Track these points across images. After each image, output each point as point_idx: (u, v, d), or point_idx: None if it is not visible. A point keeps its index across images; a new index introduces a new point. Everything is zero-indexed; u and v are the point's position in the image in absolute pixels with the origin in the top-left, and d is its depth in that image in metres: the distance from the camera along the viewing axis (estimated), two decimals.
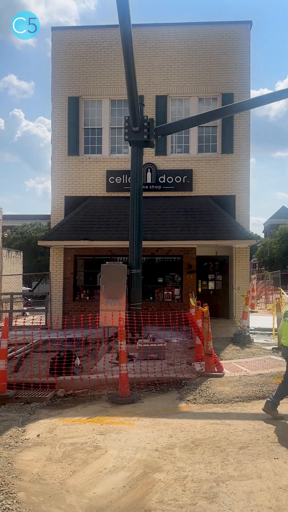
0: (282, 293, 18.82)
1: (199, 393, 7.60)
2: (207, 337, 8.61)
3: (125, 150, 15.92)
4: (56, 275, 15.65)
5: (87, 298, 15.81)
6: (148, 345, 10.23)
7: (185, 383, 8.18)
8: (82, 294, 15.89)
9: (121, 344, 7.69)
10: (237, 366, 9.33)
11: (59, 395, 7.92)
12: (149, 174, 15.31)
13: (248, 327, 13.07)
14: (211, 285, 16.70)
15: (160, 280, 15.55)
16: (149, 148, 15.03)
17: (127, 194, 15.23)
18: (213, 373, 8.43)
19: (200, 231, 14.35)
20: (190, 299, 11.71)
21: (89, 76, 15.85)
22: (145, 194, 15.19)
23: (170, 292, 15.59)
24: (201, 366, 8.86)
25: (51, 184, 15.86)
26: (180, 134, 15.84)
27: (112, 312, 11.35)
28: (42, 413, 7.02)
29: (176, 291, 15.56)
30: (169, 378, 8.31)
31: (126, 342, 10.01)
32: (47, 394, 7.83)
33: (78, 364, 9.14)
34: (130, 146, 12.10)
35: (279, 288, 20.99)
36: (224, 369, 8.75)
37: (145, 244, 12.90)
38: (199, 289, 16.14)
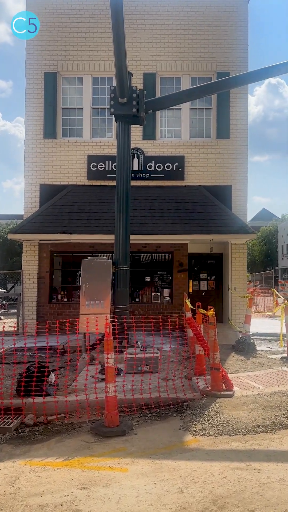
0: (277, 296, 17.40)
1: (208, 420, 5.92)
2: (213, 347, 6.95)
3: (108, 133, 14.19)
4: (30, 274, 13.78)
5: (65, 300, 13.98)
6: (138, 355, 8.52)
7: (188, 406, 6.49)
8: (59, 296, 14.05)
9: (108, 358, 5.95)
10: (247, 381, 7.70)
11: (27, 423, 6.14)
12: (135, 160, 13.62)
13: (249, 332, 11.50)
14: (203, 285, 15.08)
15: (148, 279, 13.85)
16: (136, 131, 13.39)
17: (111, 182, 13.54)
18: (222, 392, 6.77)
19: (194, 224, 12.73)
20: (186, 301, 10.06)
21: (68, 50, 14.08)
22: (131, 183, 13.51)
23: (159, 293, 13.91)
24: (205, 383, 7.19)
25: (24, 170, 13.99)
26: (171, 116, 14.22)
27: (95, 316, 9.60)
28: (3, 451, 5.26)
29: (166, 291, 13.89)
30: (167, 399, 6.61)
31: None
32: (11, 422, 6.04)
33: (53, 381, 7.35)
34: (115, 121, 10.37)
35: (272, 289, 19.60)
36: (234, 386, 7.11)
37: (132, 238, 11.19)
38: (190, 290, 14.52)
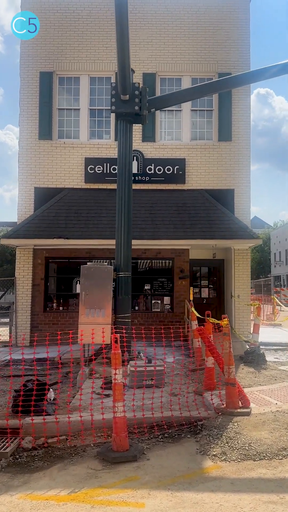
0: (278, 304, 16.91)
1: (227, 442, 5.33)
2: (229, 360, 6.38)
3: (106, 135, 13.68)
4: (24, 281, 13.12)
5: (61, 308, 13.33)
6: (141, 368, 7.91)
7: (203, 426, 5.90)
8: (54, 304, 13.40)
9: (115, 374, 5.35)
10: (262, 396, 7.13)
11: (25, 447, 5.50)
12: (135, 163, 13.09)
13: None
14: (204, 292, 14.54)
15: (147, 287, 13.28)
16: (135, 133, 12.88)
17: (110, 186, 13.03)
18: (238, 410, 6.19)
19: (196, 229, 12.21)
20: (192, 309, 9.48)
21: (65, 49, 13.58)
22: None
23: (159, 301, 13.33)
24: (219, 399, 6.60)
25: (18, 173, 13.39)
26: (171, 118, 13.75)
27: (95, 325, 8.99)
28: None
29: (166, 299, 13.32)
30: (179, 419, 6.01)
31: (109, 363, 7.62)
32: (7, 446, 5.40)
33: (52, 398, 6.71)
34: (116, 120, 9.86)
35: (272, 296, 19.14)
36: (250, 403, 6.53)
37: (132, 244, 10.60)
38: (191, 297, 13.92)
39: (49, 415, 6.21)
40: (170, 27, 13.56)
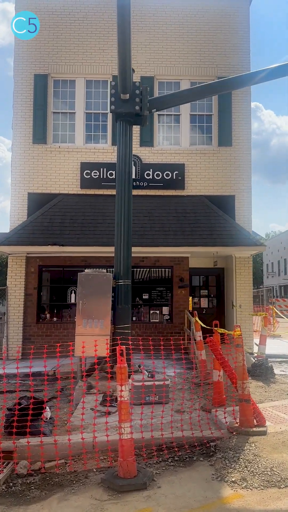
0: (277, 314, 16.46)
1: (246, 467, 4.79)
2: (242, 375, 5.86)
3: (103, 140, 13.24)
4: (15, 291, 12.52)
5: (54, 319, 12.72)
6: (147, 383, 7.36)
7: (217, 447, 5.35)
8: (47, 315, 12.79)
9: (121, 391, 4.80)
10: (276, 413, 6.60)
11: (20, 472, 4.92)
12: (132, 168, 12.60)
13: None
14: (203, 302, 14.04)
15: (145, 296, 12.74)
16: (133, 137, 12.44)
17: (106, 191, 12.57)
18: (254, 429, 5.66)
19: (197, 236, 11.76)
20: (196, 319, 8.95)
21: (60, 51, 13.19)
22: None
23: (158, 311, 12.79)
24: (232, 417, 6.06)
25: (11, 178, 12.87)
26: (170, 123, 13.38)
27: (93, 337, 8.43)
28: None
29: (165, 309, 12.79)
30: (190, 439, 5.46)
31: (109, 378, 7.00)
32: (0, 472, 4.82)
33: (48, 417, 6.12)
34: (116, 121, 9.40)
35: (272, 306, 18.70)
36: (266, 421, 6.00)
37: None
38: (190, 307, 13.43)
39: (46, 436, 5.64)
40: (169, 30, 13.26)
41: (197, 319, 8.91)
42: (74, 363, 9.65)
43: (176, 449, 5.28)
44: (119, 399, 4.82)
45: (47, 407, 6.16)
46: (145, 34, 13.18)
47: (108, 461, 5.11)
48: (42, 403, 5.98)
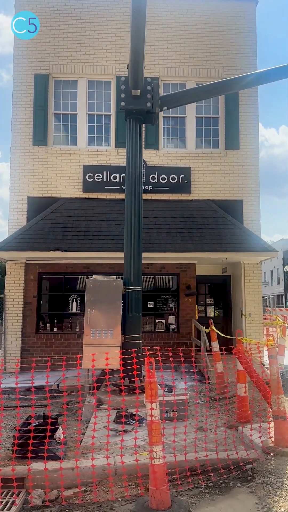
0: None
1: None
2: (277, 389, 5.32)
3: (106, 142, 12.75)
4: (14, 299, 11.86)
5: (55, 329, 12.07)
6: (166, 398, 6.76)
7: (254, 471, 4.78)
8: (48, 325, 12.13)
9: (152, 409, 4.22)
10: None
11: (36, 503, 4.30)
12: None
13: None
14: (209, 311, 13.50)
15: (150, 305, 12.16)
16: None
17: (109, 195, 12.07)
18: None
19: (205, 241, 11.26)
20: (212, 327, 8.39)
21: (61, 51, 12.73)
22: None
23: (163, 320, 12.21)
24: (262, 434, 5.50)
25: (9, 181, 12.29)
26: (175, 125, 12.96)
27: (103, 347, 7.85)
28: None
29: (171, 318, 12.22)
30: (225, 462, 4.88)
31: (119, 391, 6.37)
32: (12, 503, 4.21)
33: (61, 437, 5.49)
34: (125, 119, 8.94)
35: (275, 316, 18.20)
36: None
37: None
38: (196, 317, 12.88)
39: (60, 459, 5.02)
40: (174, 31, 12.91)
41: (213, 328, 8.36)
42: (81, 376, 9.03)
43: (212, 473, 4.69)
44: (149, 418, 4.24)
45: (60, 427, 5.53)
46: (149, 35, 12.77)
47: (133, 488, 4.51)
48: (54, 422, 5.35)
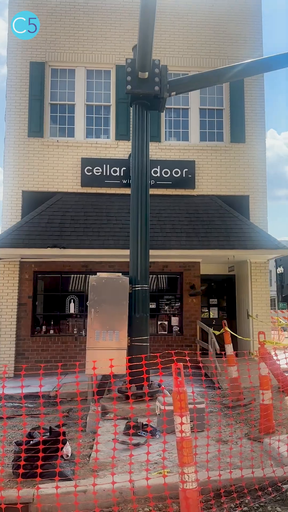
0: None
1: None
2: None
3: (105, 134, 12.12)
4: (8, 300, 11.14)
5: (51, 332, 11.37)
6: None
7: None
8: (44, 327, 11.42)
9: (182, 424, 3.59)
10: None
11: None
12: None
13: None
14: (213, 312, 12.91)
15: (152, 305, 11.50)
16: None
17: (109, 190, 11.46)
18: None
19: (212, 238, 10.67)
20: (226, 328, 7.78)
21: (59, 38, 12.09)
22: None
23: (166, 322, 11.58)
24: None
25: (3, 174, 11.58)
26: (177, 117, 12.37)
27: (108, 351, 7.21)
28: None
29: (174, 320, 11.60)
30: (261, 481, 4.25)
31: (125, 398, 5.74)
32: None
33: (69, 454, 4.82)
34: (130, 105, 8.32)
35: (277, 318, 17.72)
36: None
37: None
38: (200, 318, 12.28)
39: (66, 478, 4.37)
40: (177, 19, 12.34)
41: (227, 329, 7.75)
42: (81, 381, 8.34)
43: (246, 492, 4.06)
44: (178, 434, 3.60)
45: (67, 442, 4.86)
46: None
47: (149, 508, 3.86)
48: (59, 435, 4.68)
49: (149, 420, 6.19)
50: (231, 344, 7.74)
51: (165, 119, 12.24)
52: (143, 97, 7.94)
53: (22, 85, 11.80)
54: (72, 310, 11.44)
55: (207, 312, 12.82)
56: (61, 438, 4.31)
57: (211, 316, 12.81)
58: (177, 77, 12.05)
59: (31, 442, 4.57)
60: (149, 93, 7.85)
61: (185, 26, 12.32)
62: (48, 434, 4.73)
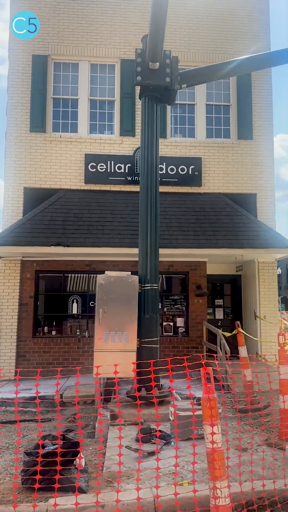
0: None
1: None
2: None
3: (109, 130, 11.80)
4: (8, 300, 10.80)
5: (53, 333, 11.02)
6: (190, 412, 5.79)
7: None
8: (45, 328, 11.08)
9: (213, 434, 3.28)
10: None
11: None
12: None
13: None
14: (218, 313, 12.62)
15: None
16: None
17: (114, 187, 11.19)
18: None
19: (220, 237, 10.39)
20: (239, 329, 7.47)
21: (62, 31, 11.76)
22: (138, 188, 11.08)
23: (171, 323, 11.28)
24: None
25: (4, 170, 11.25)
26: (183, 113, 12.08)
27: (117, 353, 6.90)
28: None
29: (179, 321, 11.29)
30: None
31: (131, 401, 5.43)
32: None
33: (83, 464, 4.50)
34: (139, 98, 8.03)
35: (280, 319, 17.43)
36: None
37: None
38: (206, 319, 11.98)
39: (82, 491, 4.05)
40: (183, 13, 12.05)
41: (241, 330, 7.45)
42: (84, 384, 8.03)
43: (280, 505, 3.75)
44: (209, 445, 3.30)
45: (81, 453, 4.53)
46: None
47: None
48: (76, 445, 4.36)
49: (159, 424, 5.88)
50: (245, 346, 7.44)
51: (171, 115, 11.94)
52: (153, 89, 7.65)
53: (24, 78, 11.46)
54: (74, 311, 11.10)
55: (211, 312, 12.51)
56: (80, 449, 3.98)
57: (216, 317, 12.51)
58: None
59: (42, 451, 4.24)
60: (160, 84, 7.56)
61: (191, 21, 12.03)
62: (60, 442, 4.40)
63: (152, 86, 7.58)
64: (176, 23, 11.98)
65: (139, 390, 6.83)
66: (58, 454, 4.10)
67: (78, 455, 4.40)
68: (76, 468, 4.31)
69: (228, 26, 12.15)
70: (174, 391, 7.29)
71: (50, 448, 4.31)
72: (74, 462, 4.35)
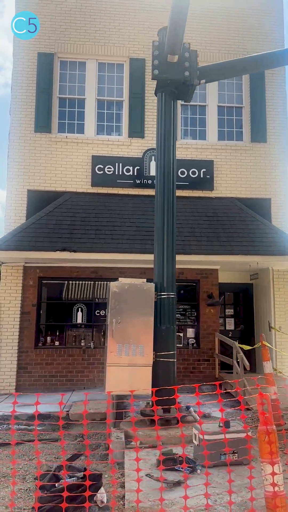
0: None
1: None
2: None
3: (117, 131, 11.32)
4: (10, 308, 10.20)
5: (57, 343, 10.42)
6: (220, 435, 5.21)
7: None
8: (48, 338, 10.47)
9: (274, 474, 2.72)
10: None
11: None
12: (153, 163, 10.73)
13: None
14: (229, 324, 12.05)
15: None
16: (153, 129, 10.61)
17: (122, 190, 10.69)
18: None
19: (235, 243, 9.86)
20: (264, 342, 6.89)
21: (69, 28, 11.32)
22: (147, 191, 10.61)
23: (181, 334, 10.70)
24: None
25: (7, 172, 10.71)
26: (194, 114, 11.63)
27: (132, 367, 6.32)
28: None
29: (190, 331, 10.72)
30: None
31: (148, 422, 4.85)
32: None
33: (105, 500, 3.90)
34: (155, 94, 7.54)
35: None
36: None
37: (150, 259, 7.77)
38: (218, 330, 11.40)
39: None
40: (194, 11, 11.59)
41: (265, 343, 6.88)
42: (91, 400, 7.45)
43: None
44: (269, 488, 2.73)
45: (102, 487, 3.94)
46: (167, 14, 11.48)
47: None
48: (97, 478, 3.77)
49: (185, 445, 5.28)
50: (270, 361, 6.87)
51: (181, 116, 11.48)
52: (171, 83, 7.16)
53: (29, 77, 10.98)
54: (79, 320, 10.51)
55: (222, 323, 11.94)
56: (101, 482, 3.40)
57: (226, 328, 11.94)
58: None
59: (59, 485, 3.65)
60: (178, 78, 7.06)
61: (202, 20, 11.62)
62: (78, 475, 3.81)
63: (170, 80, 7.10)
64: (188, 23, 11.52)
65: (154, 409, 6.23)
66: (76, 488, 3.52)
67: (98, 490, 3.80)
68: (97, 505, 3.72)
69: (241, 25, 11.77)
70: (191, 410, 6.70)
71: (68, 480, 3.71)
72: (95, 498, 3.76)
